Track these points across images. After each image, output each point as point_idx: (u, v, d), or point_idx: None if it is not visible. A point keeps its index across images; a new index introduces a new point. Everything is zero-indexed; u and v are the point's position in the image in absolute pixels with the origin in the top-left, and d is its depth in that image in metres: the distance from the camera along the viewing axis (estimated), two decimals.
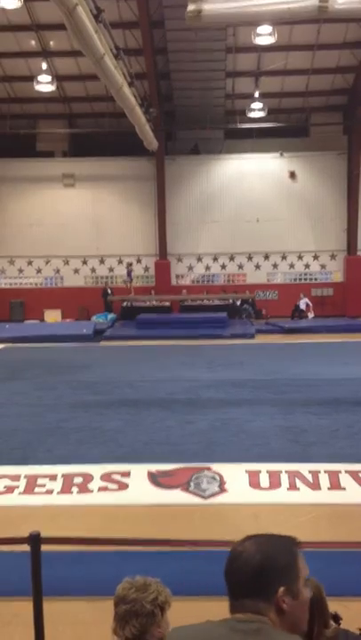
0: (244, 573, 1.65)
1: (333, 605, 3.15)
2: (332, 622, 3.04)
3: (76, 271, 29.69)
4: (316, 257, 29.50)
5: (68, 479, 7.29)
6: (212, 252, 29.43)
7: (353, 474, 7.28)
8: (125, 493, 7.07)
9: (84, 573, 5.11)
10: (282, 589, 1.64)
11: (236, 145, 29.05)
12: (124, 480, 7.28)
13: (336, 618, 3.07)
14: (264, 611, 1.62)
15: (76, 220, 28.83)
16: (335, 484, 7.09)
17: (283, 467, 7.52)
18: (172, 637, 1.70)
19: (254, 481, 7.19)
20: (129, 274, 28.10)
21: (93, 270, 29.74)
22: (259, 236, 28.67)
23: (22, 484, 7.24)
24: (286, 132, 28.56)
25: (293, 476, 7.24)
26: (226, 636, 1.58)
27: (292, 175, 28.91)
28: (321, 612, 2.93)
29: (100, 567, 4.95)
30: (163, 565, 4.42)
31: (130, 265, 28.29)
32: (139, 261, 29.42)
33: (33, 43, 24.60)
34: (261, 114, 26.92)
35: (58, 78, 25.55)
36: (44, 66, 24.60)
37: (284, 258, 29.57)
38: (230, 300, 27.85)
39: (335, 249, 29.28)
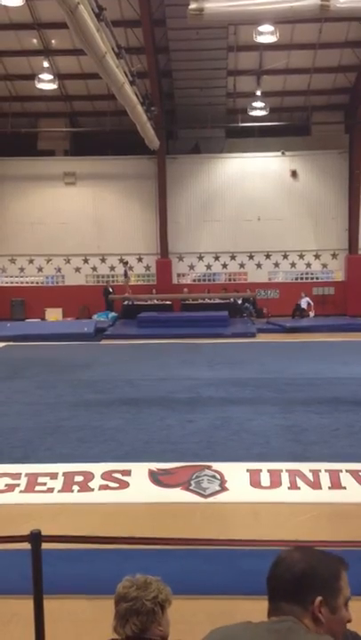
0: (285, 578, 1.72)
1: None
2: None
3: (78, 270, 29.71)
4: (317, 256, 29.50)
5: (68, 477, 7.29)
6: (213, 250, 29.44)
7: (354, 473, 7.27)
8: (126, 492, 7.07)
9: (85, 572, 5.11)
10: (319, 599, 1.69)
11: (237, 144, 29.06)
12: (125, 479, 7.28)
13: None
14: (299, 615, 1.68)
15: (78, 219, 28.84)
16: (336, 484, 7.08)
17: (283, 466, 7.51)
18: (211, 638, 1.76)
19: (255, 480, 7.19)
20: (125, 273, 28.08)
21: (94, 269, 29.76)
22: (260, 235, 28.67)
23: (23, 482, 7.24)
24: (288, 130, 28.55)
25: (294, 475, 7.23)
26: (260, 636, 1.65)
27: (294, 174, 28.91)
28: None
29: (100, 565, 4.95)
30: (163, 564, 4.42)
31: (127, 264, 28.27)
32: (140, 260, 29.43)
33: (35, 41, 24.61)
34: (263, 113, 26.93)
35: (59, 77, 25.55)
36: (46, 64, 24.61)
37: (285, 257, 29.57)
38: (231, 299, 27.85)
39: (336, 248, 29.28)
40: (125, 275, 28.02)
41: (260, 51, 24.61)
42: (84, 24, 12.19)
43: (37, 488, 7.12)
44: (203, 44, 23.16)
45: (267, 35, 21.15)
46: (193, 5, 12.55)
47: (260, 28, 20.87)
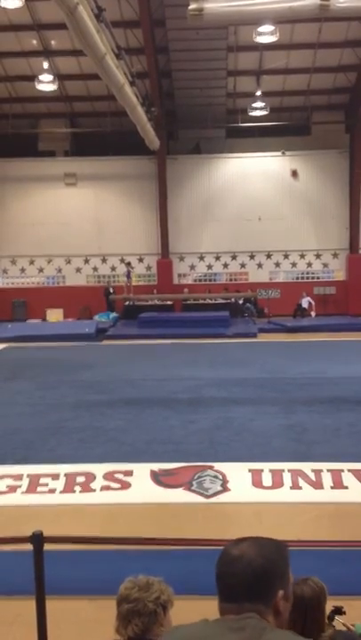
0: (246, 576, 1.63)
1: (337, 604, 3.15)
2: (336, 618, 3.03)
3: (78, 270, 29.71)
4: (318, 255, 29.48)
5: (70, 478, 7.30)
6: (214, 250, 29.43)
7: (356, 473, 7.27)
8: (128, 492, 7.07)
9: (87, 572, 5.11)
10: (281, 593, 1.65)
11: (237, 144, 29.05)
12: (127, 479, 7.28)
13: (338, 611, 3.07)
14: (262, 612, 1.62)
15: (78, 220, 28.85)
16: (338, 483, 7.09)
17: (285, 466, 7.51)
18: (169, 638, 1.70)
19: (257, 480, 7.19)
20: (128, 274, 28.04)
21: (95, 269, 29.76)
22: (261, 235, 28.66)
23: (25, 483, 7.24)
24: (288, 130, 28.52)
25: (296, 474, 7.24)
26: (222, 635, 1.57)
27: (294, 174, 28.90)
28: (319, 610, 2.93)
29: (102, 566, 4.96)
30: (165, 564, 4.42)
31: (129, 264, 28.25)
32: (141, 260, 29.42)
33: (34, 42, 24.61)
34: (263, 112, 26.91)
35: (59, 78, 25.54)
36: (46, 65, 24.60)
37: (286, 256, 29.56)
38: (232, 299, 27.83)
39: (337, 247, 29.26)
40: (128, 275, 28.01)
41: (259, 51, 24.60)
42: (83, 25, 12.19)
43: (39, 489, 7.13)
44: (202, 44, 23.15)
45: (266, 35, 21.13)
46: (193, 6, 12.56)
47: (260, 29, 20.85)
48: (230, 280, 29.73)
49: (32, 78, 25.18)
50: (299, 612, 2.75)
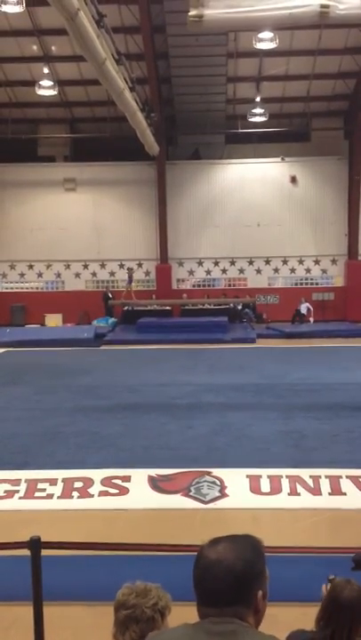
0: (226, 582, 1.60)
1: None
2: None
3: (77, 275, 29.71)
4: (317, 261, 29.51)
5: (68, 484, 7.28)
6: (212, 256, 29.45)
7: (354, 479, 7.27)
8: (126, 498, 7.06)
9: (85, 578, 5.10)
10: (260, 593, 1.64)
11: (237, 150, 29.11)
12: (125, 485, 7.27)
13: None
14: (243, 614, 1.61)
15: (77, 225, 28.86)
16: (336, 489, 7.08)
17: (283, 472, 7.50)
18: None
19: (255, 486, 7.18)
20: (130, 279, 27.99)
21: (94, 274, 29.76)
22: (260, 241, 28.69)
23: (22, 488, 7.23)
24: (287, 136, 28.59)
25: (294, 481, 7.23)
26: None
27: (293, 180, 28.94)
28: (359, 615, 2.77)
29: (100, 572, 4.95)
30: (163, 570, 4.40)
31: (130, 270, 28.21)
32: (140, 265, 29.42)
33: (35, 48, 24.66)
34: (262, 119, 26.97)
35: (59, 83, 25.60)
36: (46, 70, 24.66)
37: (285, 262, 29.58)
38: (231, 305, 27.85)
39: (336, 253, 29.29)
40: (130, 281, 27.96)
41: (259, 57, 24.67)
42: (84, 31, 12.21)
43: (37, 494, 7.11)
44: (202, 50, 23.21)
45: (266, 41, 21.20)
46: (192, 12, 12.57)
47: (260, 35, 20.91)
48: (229, 285, 29.75)
49: (32, 83, 25.24)
50: (344, 619, 2.63)
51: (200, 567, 1.65)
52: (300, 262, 29.52)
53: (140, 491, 7.16)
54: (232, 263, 29.57)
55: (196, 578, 1.65)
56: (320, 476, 7.29)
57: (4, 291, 29.65)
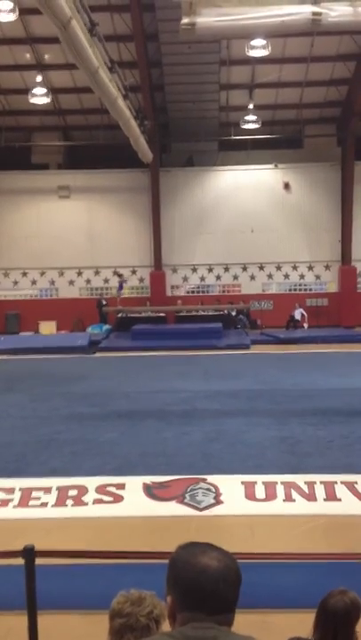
0: (230, 592, 1.59)
1: None
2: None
3: (71, 282, 29.71)
4: (310, 267, 29.59)
5: (62, 492, 7.25)
6: (206, 262, 29.51)
7: (349, 485, 7.26)
8: (120, 506, 7.03)
9: (79, 587, 5.07)
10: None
11: (230, 157, 29.21)
12: (119, 492, 7.24)
13: None
14: (229, 619, 1.60)
15: (71, 232, 28.88)
16: (331, 495, 7.07)
17: (278, 478, 7.49)
18: None
19: (250, 492, 7.16)
20: (120, 286, 28.03)
21: (88, 282, 29.76)
22: (253, 247, 28.76)
23: (16, 496, 7.19)
24: (280, 143, 28.72)
25: (289, 487, 7.21)
26: None
27: (287, 186, 29.06)
28: (350, 625, 2.81)
29: (94, 580, 4.92)
30: (158, 578, 4.38)
31: (121, 276, 28.23)
32: (134, 272, 29.45)
33: (28, 56, 24.73)
34: (255, 126, 27.11)
35: (53, 91, 25.66)
36: (39, 78, 24.72)
37: (278, 268, 29.65)
38: (225, 311, 27.87)
39: (330, 259, 29.38)
40: (120, 287, 27.99)
41: (252, 64, 24.80)
42: (76, 39, 12.25)
43: (31, 503, 7.08)
44: (195, 58, 23.29)
45: (259, 48, 21.32)
46: (185, 20, 12.62)
47: (253, 42, 21.03)
48: (223, 292, 29.79)
49: (25, 91, 25.29)
50: (328, 627, 2.69)
51: (215, 579, 1.59)
52: (294, 268, 29.60)
53: (134, 498, 7.14)
54: (226, 269, 29.63)
55: (214, 590, 1.59)
56: (315, 482, 7.28)
57: None
